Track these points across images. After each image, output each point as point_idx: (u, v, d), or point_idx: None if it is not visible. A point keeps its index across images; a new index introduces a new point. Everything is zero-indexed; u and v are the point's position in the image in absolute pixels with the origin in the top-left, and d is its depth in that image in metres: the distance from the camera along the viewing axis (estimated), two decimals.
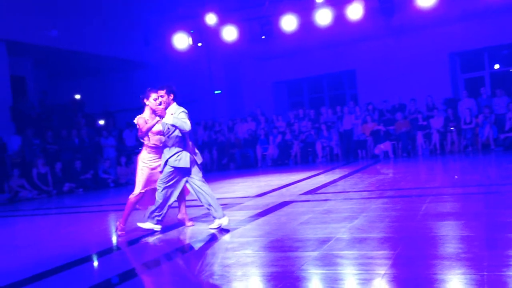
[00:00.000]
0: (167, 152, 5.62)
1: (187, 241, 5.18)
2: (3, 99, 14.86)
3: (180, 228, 5.91)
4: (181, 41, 16.42)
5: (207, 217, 6.48)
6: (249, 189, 9.45)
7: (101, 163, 14.19)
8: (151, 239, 5.44)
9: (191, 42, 16.59)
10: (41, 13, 15.36)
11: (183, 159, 5.59)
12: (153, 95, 5.73)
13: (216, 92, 19.26)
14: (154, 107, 5.64)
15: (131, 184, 13.81)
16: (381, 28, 16.07)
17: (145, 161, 5.79)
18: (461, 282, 3.04)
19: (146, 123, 5.74)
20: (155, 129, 5.73)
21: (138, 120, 5.78)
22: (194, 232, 5.64)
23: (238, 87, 19.80)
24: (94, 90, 19.89)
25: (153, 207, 5.73)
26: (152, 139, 5.81)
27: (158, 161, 5.77)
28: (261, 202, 7.40)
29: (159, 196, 5.64)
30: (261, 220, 5.90)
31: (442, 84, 16.33)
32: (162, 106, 5.54)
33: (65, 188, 13.12)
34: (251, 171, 14.25)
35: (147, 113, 5.82)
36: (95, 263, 4.81)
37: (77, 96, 18.94)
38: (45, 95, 16.91)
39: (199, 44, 16.72)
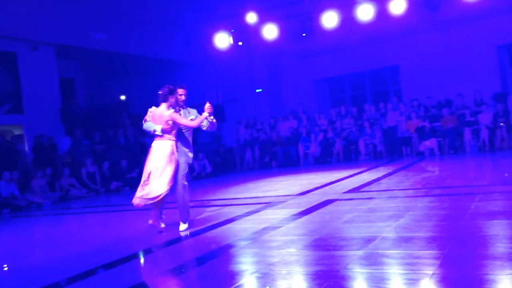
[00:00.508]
0: (184, 148, 5.98)
1: (230, 240, 5.22)
2: (53, 101, 15.44)
3: (224, 227, 5.97)
4: (222, 40, 16.55)
5: (250, 215, 6.53)
6: (292, 187, 9.44)
7: None
8: (194, 238, 5.52)
9: (232, 41, 16.70)
10: (88, 17, 15.85)
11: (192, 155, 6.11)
12: (180, 91, 6.07)
13: (257, 90, 19.32)
14: (179, 102, 6.03)
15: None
16: (425, 22, 15.66)
17: (174, 156, 5.86)
18: None
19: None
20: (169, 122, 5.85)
21: (173, 114, 5.86)
22: (238, 231, 5.69)
23: (279, 85, 19.79)
24: (138, 90, 20.35)
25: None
26: (185, 134, 6.06)
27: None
28: (304, 200, 7.38)
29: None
30: (305, 218, 5.89)
31: (491, 78, 15.76)
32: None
33: (112, 186, 13.48)
34: (293, 169, 14.22)
35: (163, 108, 5.93)
36: (142, 260, 4.94)
37: (122, 97, 19.43)
38: (92, 97, 17.44)
39: (240, 43, 16.81)
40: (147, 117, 6.03)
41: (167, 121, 5.82)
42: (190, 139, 6.15)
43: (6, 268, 5.28)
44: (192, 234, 5.69)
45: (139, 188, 5.97)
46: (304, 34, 15.97)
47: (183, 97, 6.09)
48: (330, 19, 14.86)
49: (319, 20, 15.10)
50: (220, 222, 6.27)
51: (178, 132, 5.97)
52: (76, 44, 15.99)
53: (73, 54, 16.78)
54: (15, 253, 6.15)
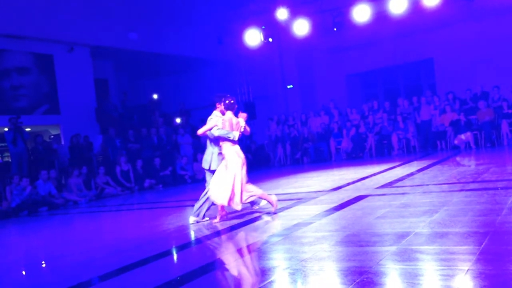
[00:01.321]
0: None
1: (262, 236, 5.24)
2: (88, 101, 15.82)
3: (256, 223, 5.99)
4: (253, 37, 16.56)
5: (282, 211, 6.53)
6: (324, 183, 9.38)
7: (178, 160, 14.67)
8: (226, 234, 5.56)
9: (262, 38, 16.70)
10: (121, 18, 16.16)
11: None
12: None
13: (288, 86, 19.27)
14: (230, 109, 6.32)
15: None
16: (460, 13, 15.28)
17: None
18: None
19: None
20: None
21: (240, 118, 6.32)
22: (270, 227, 5.71)
23: (310, 81, 19.69)
24: (170, 89, 20.62)
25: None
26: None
27: None
28: (336, 196, 7.33)
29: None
30: (337, 214, 5.85)
31: None
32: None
33: (146, 184, 13.70)
34: (325, 165, 14.13)
35: (231, 116, 6.27)
36: (175, 257, 5.01)
37: (155, 96, 19.71)
38: (125, 96, 17.76)
39: (270, 40, 16.77)
40: (218, 123, 6.17)
41: (241, 128, 6.23)
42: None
43: (44, 265, 5.45)
44: (225, 231, 5.73)
45: (243, 194, 6.18)
46: (335, 29, 15.82)
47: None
48: (361, 13, 14.65)
49: (351, 14, 14.91)
50: (252, 218, 6.30)
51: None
52: (110, 44, 16.32)
53: (107, 54, 17.14)
54: (52, 250, 6.33)
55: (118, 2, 16.05)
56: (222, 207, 6.35)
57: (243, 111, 6.57)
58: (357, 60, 18.48)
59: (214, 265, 4.31)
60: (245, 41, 16.70)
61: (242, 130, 6.24)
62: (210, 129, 6.25)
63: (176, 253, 5.14)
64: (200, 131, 6.46)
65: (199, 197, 6.57)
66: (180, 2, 17.35)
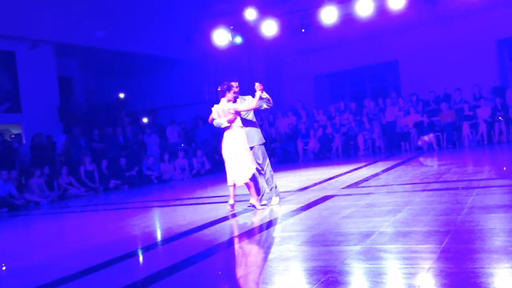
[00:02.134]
0: (252, 131, 6.65)
1: (228, 236, 5.23)
2: (51, 99, 15.44)
3: (222, 224, 5.98)
4: (221, 37, 16.51)
5: (249, 211, 6.53)
6: (291, 183, 9.44)
7: (145, 160, 14.50)
8: (191, 236, 5.52)
9: (231, 38, 16.67)
10: (86, 15, 15.83)
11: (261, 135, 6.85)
12: (234, 84, 6.59)
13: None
14: (236, 94, 6.58)
15: (174, 180, 14.08)
16: (424, 17, 15.63)
17: (245, 140, 6.50)
18: (510, 276, 2.94)
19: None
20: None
21: (232, 105, 6.47)
22: (236, 227, 5.70)
23: (279, 81, 19.76)
24: (137, 88, 20.35)
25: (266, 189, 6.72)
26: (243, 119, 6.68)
27: None
28: (303, 196, 7.38)
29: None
30: (303, 214, 5.89)
31: (490, 72, 15.75)
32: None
33: (111, 184, 13.48)
34: (292, 166, 14.22)
35: (224, 102, 6.50)
36: (141, 258, 4.94)
37: (121, 95, 19.42)
38: (90, 95, 17.43)
39: (237, 40, 16.74)
40: (213, 115, 6.57)
41: (229, 112, 6.41)
42: (254, 121, 6.82)
43: (4, 268, 5.29)
44: (189, 232, 5.69)
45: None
46: (303, 30, 15.94)
47: (236, 89, 6.61)
48: (329, 15, 14.80)
49: (318, 15, 15.05)
50: (218, 219, 6.27)
51: (242, 120, 6.59)
52: (75, 42, 15.97)
53: (72, 52, 16.76)
54: (13, 252, 6.15)
55: None
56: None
57: (210, 112, 6.68)
58: (325, 62, 18.66)
59: (180, 266, 4.26)
60: (213, 41, 16.63)
61: (232, 111, 6.41)
62: (213, 120, 6.63)
63: (142, 254, 5.07)
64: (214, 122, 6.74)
65: (164, 198, 6.53)
66: (148, 1, 17.14)
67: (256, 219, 5.98)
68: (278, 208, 6.51)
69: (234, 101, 6.56)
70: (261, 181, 6.74)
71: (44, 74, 15.42)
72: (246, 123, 6.65)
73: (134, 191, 12.67)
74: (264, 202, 6.74)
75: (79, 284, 4.09)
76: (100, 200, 11.75)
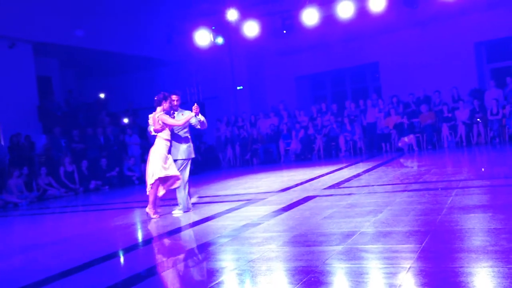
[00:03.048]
0: (179, 145, 6.80)
1: (210, 237, 5.21)
2: (30, 99, 15.18)
3: (204, 224, 5.96)
4: (203, 37, 16.46)
5: (231, 212, 6.53)
6: (273, 184, 9.46)
7: (126, 161, 14.37)
8: (174, 236, 5.49)
9: (212, 39, 16.63)
10: (66, 14, 15.61)
11: (192, 150, 7.00)
12: (174, 97, 6.84)
13: (238, 88, 19.29)
14: (173, 107, 6.85)
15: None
16: (404, 19, 15.83)
17: (164, 152, 6.65)
18: (489, 275, 2.99)
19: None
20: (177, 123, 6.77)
21: (161, 116, 6.62)
22: (218, 228, 5.68)
23: (261, 82, 19.79)
24: (118, 88, 20.14)
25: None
26: (175, 133, 6.85)
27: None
28: (285, 197, 7.40)
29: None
30: (285, 215, 5.90)
31: (468, 74, 16.00)
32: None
33: (91, 185, 13.33)
34: (274, 166, 14.25)
35: (158, 111, 6.69)
36: (121, 259, 4.89)
37: (102, 95, 19.22)
38: (70, 94, 17.20)
39: (218, 40, 16.72)
40: (149, 121, 6.83)
41: (157, 122, 6.62)
42: (186, 136, 6.93)
43: None
44: (172, 232, 5.66)
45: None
46: (285, 31, 15.99)
47: (175, 102, 6.86)
48: (310, 16, 14.87)
49: (300, 17, 15.11)
50: (201, 219, 6.25)
51: (171, 132, 6.75)
52: (55, 41, 15.72)
53: (51, 51, 16.51)
54: None
55: None
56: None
57: (199, 113, 6.89)
58: (306, 63, 18.74)
59: (161, 267, 4.24)
60: (195, 41, 16.57)
61: (160, 123, 6.62)
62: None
63: (122, 255, 5.02)
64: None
65: (146, 198, 6.52)
66: (129, 0, 17.01)
67: (236, 219, 5.98)
68: (259, 209, 6.51)
69: (169, 113, 6.75)
70: (180, 193, 6.89)
71: (23, 73, 15.16)
72: (176, 137, 6.84)
73: (114, 192, 12.55)
74: (179, 211, 6.92)
75: (58, 285, 4.03)
76: (80, 201, 11.62)
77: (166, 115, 6.68)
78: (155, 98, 6.73)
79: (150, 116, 6.84)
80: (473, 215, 4.67)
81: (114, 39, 17.00)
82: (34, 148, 13.97)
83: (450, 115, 14.38)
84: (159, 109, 6.68)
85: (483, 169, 8.73)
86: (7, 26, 14.34)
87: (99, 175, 13.71)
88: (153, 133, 6.73)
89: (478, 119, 13.78)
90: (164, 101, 6.67)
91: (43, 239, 6.86)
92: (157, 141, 6.68)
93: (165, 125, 6.64)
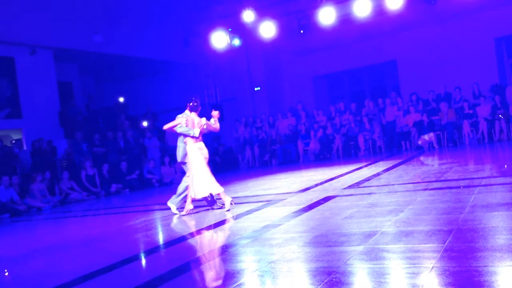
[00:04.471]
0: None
1: (231, 239, 5.23)
2: (51, 104, 15.44)
3: (224, 225, 5.98)
4: (220, 39, 16.53)
5: (251, 213, 6.54)
6: (292, 184, 9.44)
7: (145, 164, 14.50)
8: (196, 237, 5.52)
9: (229, 40, 16.69)
10: (85, 20, 15.84)
11: None
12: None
13: (256, 89, 19.32)
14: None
15: (175, 183, 14.07)
16: (422, 16, 15.66)
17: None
18: None
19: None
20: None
21: (208, 121, 7.15)
22: (238, 229, 5.70)
23: (278, 83, 19.79)
24: (137, 92, 20.36)
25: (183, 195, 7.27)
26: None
27: None
28: (304, 197, 7.39)
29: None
30: (305, 215, 5.89)
31: (489, 70, 15.77)
32: None
33: (112, 189, 13.49)
34: (293, 167, 14.22)
35: (195, 116, 7.04)
36: (143, 261, 4.94)
37: (121, 99, 19.44)
38: (90, 99, 17.43)
39: (235, 42, 16.76)
40: (182, 122, 6.97)
41: (202, 126, 6.99)
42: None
43: (6, 274, 5.29)
44: (194, 234, 5.69)
45: (210, 181, 6.90)
46: (301, 31, 15.95)
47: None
48: (327, 16, 14.83)
49: (316, 16, 15.07)
50: (221, 221, 6.28)
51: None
52: (75, 47, 15.99)
53: (71, 57, 16.78)
54: (15, 258, 6.15)
55: (83, 4, 15.76)
56: (192, 200, 7.03)
57: (211, 113, 7.03)
58: (324, 62, 18.69)
59: (183, 269, 4.27)
60: (211, 44, 16.65)
61: (205, 127, 7.04)
62: (174, 126, 7.04)
63: (144, 257, 5.07)
64: (165, 127, 7.24)
65: (166, 201, 6.59)
66: (145, 4, 17.17)
67: (258, 220, 5.98)
68: (279, 210, 6.52)
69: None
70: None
71: (44, 79, 15.44)
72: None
73: (135, 195, 12.67)
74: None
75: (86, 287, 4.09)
76: (101, 204, 11.76)
77: (207, 121, 7.12)
78: (194, 104, 7.05)
79: (187, 116, 7.02)
80: (496, 213, 4.60)
81: (132, 43, 17.20)
82: (56, 153, 14.20)
83: (471, 111, 14.18)
84: (195, 114, 7.04)
85: (506, 166, 8.58)
86: (28, 33, 14.63)
87: (120, 178, 13.87)
88: (196, 135, 6.94)
89: (500, 115, 13.55)
90: (199, 107, 7.11)
91: (66, 242, 6.96)
92: (202, 144, 6.99)
93: (203, 130, 7.04)
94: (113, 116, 17.18)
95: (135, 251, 5.33)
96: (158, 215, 8.01)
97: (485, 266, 3.13)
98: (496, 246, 3.52)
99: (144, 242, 5.78)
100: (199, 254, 4.81)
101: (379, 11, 14.53)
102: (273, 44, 17.18)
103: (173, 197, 7.42)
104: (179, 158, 7.29)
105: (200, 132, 6.99)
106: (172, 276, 4.04)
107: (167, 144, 15.96)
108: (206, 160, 7.00)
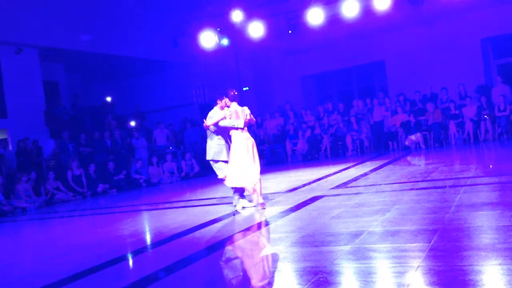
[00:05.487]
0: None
1: (218, 238, 5.22)
2: (37, 104, 15.27)
3: (212, 226, 5.97)
4: (208, 39, 16.49)
5: (238, 213, 6.52)
6: (280, 184, 9.45)
7: (133, 164, 14.42)
8: (182, 238, 5.50)
9: (218, 40, 16.66)
10: (72, 18, 15.69)
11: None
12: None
13: (244, 89, 19.31)
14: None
15: (162, 183, 14.03)
16: (409, 17, 15.76)
17: None
18: (498, 273, 2.97)
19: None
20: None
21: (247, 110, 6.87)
22: (226, 229, 5.69)
23: (266, 83, 19.79)
24: (124, 91, 20.24)
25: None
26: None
27: None
28: (292, 197, 7.40)
29: None
30: (293, 215, 5.90)
31: (475, 71, 15.91)
32: None
33: (99, 189, 13.38)
34: (281, 167, 14.24)
35: (237, 106, 6.81)
36: (130, 262, 4.91)
37: (108, 99, 19.31)
38: (77, 98, 17.29)
39: (224, 42, 16.73)
40: (226, 116, 6.72)
41: (246, 116, 6.73)
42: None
43: None
44: (180, 235, 5.67)
45: (242, 173, 6.57)
46: (290, 31, 15.97)
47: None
48: (315, 16, 14.84)
49: (305, 17, 15.10)
50: (209, 221, 6.26)
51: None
52: (61, 46, 15.81)
53: (57, 56, 16.61)
54: (1, 259, 6.08)
55: (69, 2, 15.60)
56: (254, 190, 6.65)
57: (200, 114, 6.89)
58: (312, 62, 18.72)
59: (171, 269, 4.24)
60: (200, 43, 16.60)
61: (248, 117, 6.74)
62: (217, 122, 6.77)
63: (132, 258, 5.04)
64: (208, 122, 6.85)
65: (154, 201, 6.54)
66: (133, 3, 17.06)
67: (245, 221, 5.98)
68: (267, 210, 6.52)
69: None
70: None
71: (30, 78, 15.26)
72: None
73: (122, 195, 12.59)
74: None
75: None
76: (88, 204, 11.66)
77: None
78: (235, 93, 6.88)
79: (232, 109, 6.76)
80: (481, 212, 4.64)
81: (119, 42, 17.08)
82: (41, 153, 14.05)
83: (457, 112, 14.30)
84: (235, 103, 6.83)
85: (491, 166, 8.67)
86: (14, 32, 14.44)
87: (107, 178, 13.76)
88: (241, 126, 6.68)
89: (486, 116, 13.69)
90: (219, 100, 6.95)
91: (52, 243, 6.90)
92: (248, 134, 6.79)
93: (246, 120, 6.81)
94: (100, 115, 17.05)
95: (121, 252, 5.29)
96: (145, 215, 7.98)
97: (470, 265, 3.16)
98: (481, 245, 3.55)
99: (130, 243, 5.74)
100: (186, 254, 4.79)
101: (367, 11, 14.58)
102: (262, 44, 17.16)
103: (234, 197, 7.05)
104: (210, 156, 6.99)
105: (245, 123, 6.72)
106: (159, 276, 4.02)
107: (155, 143, 15.89)
108: (255, 149, 6.74)
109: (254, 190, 6.61)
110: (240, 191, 6.79)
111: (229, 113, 6.73)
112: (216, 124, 6.84)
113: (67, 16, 15.56)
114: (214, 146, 6.98)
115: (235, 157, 6.58)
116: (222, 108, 6.89)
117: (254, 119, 7.10)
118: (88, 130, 15.61)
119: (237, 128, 6.68)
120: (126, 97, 19.81)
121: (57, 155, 13.97)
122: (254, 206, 6.72)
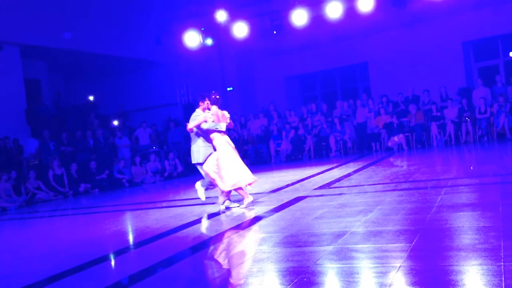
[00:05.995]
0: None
1: (201, 239, 5.20)
2: (18, 102, 15.04)
3: (195, 226, 5.94)
4: (192, 39, 16.43)
5: (222, 213, 6.51)
6: (263, 185, 9.45)
7: (115, 163, 14.29)
8: (164, 238, 5.47)
9: (202, 40, 16.61)
10: (54, 16, 15.49)
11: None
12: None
13: (228, 89, 19.28)
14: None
15: (145, 183, 13.94)
16: (392, 19, 15.92)
17: None
18: (478, 273, 3.01)
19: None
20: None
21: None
22: (210, 229, 5.68)
23: (250, 83, 19.79)
24: (107, 90, 20.03)
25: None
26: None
27: None
28: (275, 197, 7.41)
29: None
30: (276, 215, 5.90)
31: (456, 73, 16.13)
32: None
33: (81, 188, 13.24)
34: (264, 167, 14.25)
35: (217, 109, 6.88)
36: (112, 262, 4.87)
37: (91, 97, 19.11)
38: (59, 97, 17.07)
39: (208, 42, 16.68)
40: (208, 119, 6.72)
41: (227, 119, 6.86)
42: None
43: None
44: (163, 235, 5.64)
45: (245, 172, 6.65)
46: (274, 32, 16.00)
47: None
48: (299, 17, 14.90)
49: (289, 17, 15.13)
50: (192, 221, 6.24)
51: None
52: (43, 44, 15.59)
53: (39, 54, 16.37)
54: None
55: (51, 0, 15.40)
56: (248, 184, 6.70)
57: (183, 114, 6.89)
58: (296, 63, 18.78)
59: (153, 269, 4.22)
60: (184, 43, 16.53)
61: (228, 121, 6.86)
62: (199, 124, 6.74)
63: (114, 258, 4.99)
64: (190, 125, 6.84)
65: (136, 201, 6.49)
66: (117, 1, 16.91)
67: (229, 220, 5.97)
68: (252, 210, 6.52)
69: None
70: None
71: (10, 76, 15.01)
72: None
73: (105, 195, 12.48)
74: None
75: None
76: (69, 204, 11.53)
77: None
78: (218, 97, 6.92)
79: (213, 112, 6.79)
80: (462, 213, 4.70)
81: (103, 41, 16.91)
82: (22, 152, 13.85)
83: (439, 114, 14.47)
84: (216, 107, 6.86)
85: (472, 168, 8.80)
86: None
87: (89, 178, 13.62)
88: (223, 129, 6.77)
89: (467, 118, 13.88)
90: (201, 102, 6.99)
91: (32, 243, 6.81)
92: (226, 138, 6.83)
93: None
94: (83, 114, 16.86)
95: (102, 253, 5.24)
96: (128, 215, 7.91)
97: (450, 265, 3.19)
98: (461, 246, 3.60)
99: (111, 243, 5.69)
100: (168, 254, 4.76)
101: (351, 13, 14.68)
102: (246, 44, 17.17)
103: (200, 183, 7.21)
104: (199, 159, 6.93)
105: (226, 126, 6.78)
106: (142, 276, 3.99)
107: (138, 143, 15.78)
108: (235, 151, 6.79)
109: (247, 185, 6.68)
110: (226, 192, 6.74)
111: (211, 116, 6.73)
112: (198, 127, 6.82)
113: (49, 14, 15.36)
114: (201, 149, 6.94)
115: (227, 159, 6.56)
116: (204, 110, 6.88)
117: (233, 124, 7.18)
118: (70, 129, 15.43)
119: (219, 131, 6.70)
120: (109, 96, 19.61)
121: (39, 153, 13.78)
122: (238, 206, 6.71)
